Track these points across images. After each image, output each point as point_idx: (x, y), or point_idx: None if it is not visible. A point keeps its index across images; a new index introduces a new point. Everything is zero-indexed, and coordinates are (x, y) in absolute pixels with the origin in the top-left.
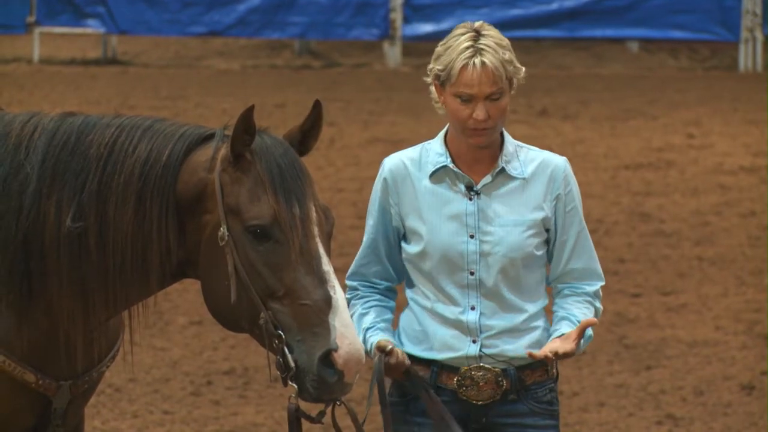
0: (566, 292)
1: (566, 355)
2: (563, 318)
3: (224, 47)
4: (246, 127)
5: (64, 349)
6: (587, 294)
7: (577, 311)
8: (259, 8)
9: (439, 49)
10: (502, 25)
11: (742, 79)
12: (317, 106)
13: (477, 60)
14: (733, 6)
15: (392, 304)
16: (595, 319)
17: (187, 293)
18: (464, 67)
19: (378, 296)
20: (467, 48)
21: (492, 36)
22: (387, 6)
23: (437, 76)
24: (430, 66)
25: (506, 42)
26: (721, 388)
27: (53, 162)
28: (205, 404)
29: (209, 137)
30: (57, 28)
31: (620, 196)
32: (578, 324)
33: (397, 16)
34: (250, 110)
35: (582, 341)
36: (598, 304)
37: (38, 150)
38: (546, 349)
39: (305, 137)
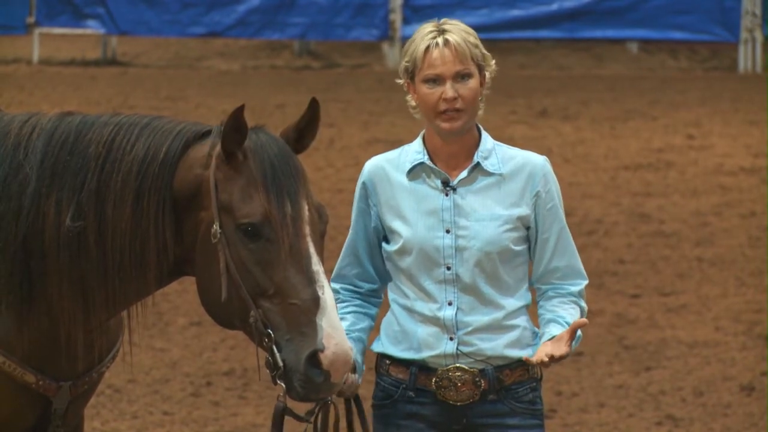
0: (550, 293)
1: (561, 359)
2: (551, 320)
3: (224, 48)
4: (236, 126)
5: (64, 350)
6: (572, 294)
7: (564, 312)
8: (259, 9)
9: (406, 46)
10: (502, 26)
11: (742, 80)
12: (314, 104)
13: (440, 39)
14: (733, 6)
15: (373, 311)
16: (586, 320)
17: (187, 294)
18: (427, 48)
19: (359, 301)
20: (430, 32)
21: (457, 24)
22: (387, 7)
23: (406, 70)
24: (400, 65)
25: (473, 32)
26: (721, 388)
27: (52, 162)
28: (204, 405)
29: (206, 134)
30: (57, 29)
31: (620, 197)
32: (567, 326)
33: (397, 16)
34: (240, 109)
35: (573, 342)
36: (583, 304)
37: (37, 150)
38: (540, 354)
39: (301, 135)
